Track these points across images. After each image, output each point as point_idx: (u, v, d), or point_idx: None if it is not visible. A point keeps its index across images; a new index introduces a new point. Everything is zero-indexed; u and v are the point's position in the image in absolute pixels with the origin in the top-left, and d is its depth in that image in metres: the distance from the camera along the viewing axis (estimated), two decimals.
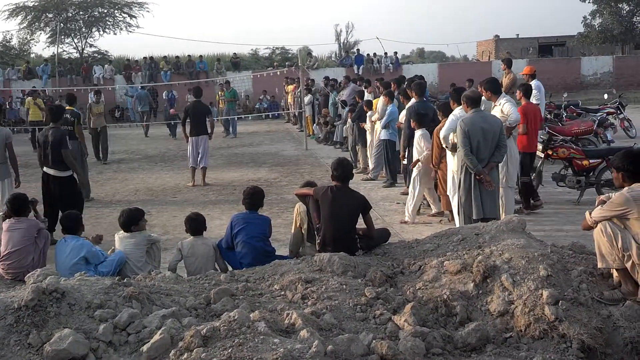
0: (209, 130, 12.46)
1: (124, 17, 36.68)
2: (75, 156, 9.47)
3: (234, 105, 22.82)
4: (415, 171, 8.77)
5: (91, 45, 37.50)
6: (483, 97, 7.63)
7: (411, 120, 9.09)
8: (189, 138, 12.32)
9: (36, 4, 35.45)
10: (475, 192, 6.84)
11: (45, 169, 8.39)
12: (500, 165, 7.22)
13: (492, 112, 7.72)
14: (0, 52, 37.43)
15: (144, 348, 3.68)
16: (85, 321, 3.92)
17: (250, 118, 25.91)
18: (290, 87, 23.54)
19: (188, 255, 5.94)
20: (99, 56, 36.78)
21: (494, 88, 8.06)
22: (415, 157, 8.82)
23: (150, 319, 3.99)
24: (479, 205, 6.82)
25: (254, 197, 6.22)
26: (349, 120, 13.70)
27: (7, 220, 6.04)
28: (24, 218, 6.04)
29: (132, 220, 5.98)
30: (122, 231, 6.03)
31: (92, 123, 15.67)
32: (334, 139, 17.28)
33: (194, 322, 3.97)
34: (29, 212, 6.24)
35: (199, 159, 12.27)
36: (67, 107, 10.98)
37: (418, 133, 8.83)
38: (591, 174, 9.33)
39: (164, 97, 25.58)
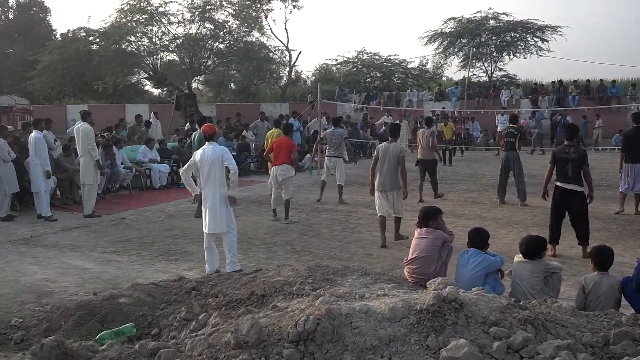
0: None
1: (536, 41, 36.66)
2: None
3: None
4: None
5: (500, 69, 38.55)
6: None
7: None
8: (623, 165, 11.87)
9: (452, 31, 38.00)
10: None
11: None
12: None
13: None
14: (417, 76, 41.25)
15: None
16: (479, 335, 3.99)
17: None
18: None
19: (591, 292, 5.61)
20: (506, 80, 37.53)
21: None
22: None
23: (545, 347, 3.87)
24: None
25: None
26: None
27: (419, 229, 6.57)
28: (433, 230, 6.47)
29: (536, 250, 5.93)
30: (520, 255, 6.02)
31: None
32: None
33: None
34: (436, 224, 6.64)
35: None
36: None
37: None
38: None
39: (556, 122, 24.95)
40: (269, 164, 14.65)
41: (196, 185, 8.38)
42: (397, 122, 16.29)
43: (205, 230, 7.92)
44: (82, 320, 5.38)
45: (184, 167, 8.34)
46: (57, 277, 7.94)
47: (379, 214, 9.77)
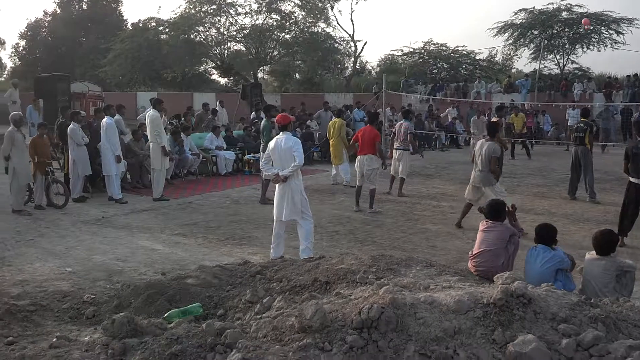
0: None
1: (610, 34, 35.30)
2: None
3: None
4: None
5: (573, 62, 37.30)
6: None
7: None
8: None
9: (523, 22, 37.02)
10: None
11: None
12: None
13: None
14: (485, 67, 40.36)
15: None
16: (548, 332, 3.90)
17: None
18: None
19: None
20: (579, 73, 36.31)
21: None
22: None
23: (616, 346, 3.74)
24: None
25: None
26: None
27: (483, 222, 6.46)
28: (499, 223, 6.34)
29: (609, 246, 5.73)
30: (593, 251, 5.83)
31: None
32: None
33: None
34: (504, 218, 6.52)
35: None
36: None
37: None
38: None
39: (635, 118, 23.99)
40: (332, 153, 14.69)
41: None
42: (493, 119, 15.99)
43: (280, 218, 7.86)
44: (151, 299, 5.53)
45: (262, 161, 8.33)
46: (127, 257, 8.21)
47: (466, 200, 10.22)
